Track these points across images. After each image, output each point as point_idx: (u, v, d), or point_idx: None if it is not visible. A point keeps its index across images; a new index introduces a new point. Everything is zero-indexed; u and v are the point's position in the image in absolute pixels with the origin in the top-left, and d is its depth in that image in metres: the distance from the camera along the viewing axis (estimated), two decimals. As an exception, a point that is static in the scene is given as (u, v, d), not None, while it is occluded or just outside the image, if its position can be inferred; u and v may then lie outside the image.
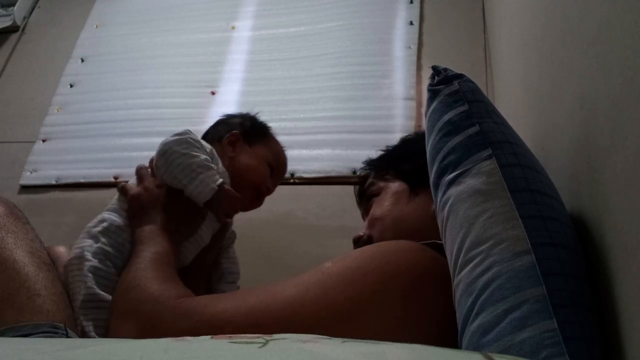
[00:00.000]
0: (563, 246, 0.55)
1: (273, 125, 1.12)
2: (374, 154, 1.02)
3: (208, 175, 0.91)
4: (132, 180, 0.97)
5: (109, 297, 0.81)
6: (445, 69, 0.71)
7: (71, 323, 0.77)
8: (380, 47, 1.82)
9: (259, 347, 0.39)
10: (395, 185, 0.92)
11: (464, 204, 0.61)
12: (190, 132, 0.96)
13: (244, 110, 1.15)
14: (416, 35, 1.82)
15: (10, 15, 2.20)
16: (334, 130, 1.68)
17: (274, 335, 0.42)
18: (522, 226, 0.56)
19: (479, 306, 0.54)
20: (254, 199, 1.03)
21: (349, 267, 0.70)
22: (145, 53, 2.02)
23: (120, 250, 0.88)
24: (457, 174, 0.63)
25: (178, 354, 0.38)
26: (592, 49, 0.58)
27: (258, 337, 0.41)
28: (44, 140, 1.88)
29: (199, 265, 0.96)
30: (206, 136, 1.07)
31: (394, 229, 0.87)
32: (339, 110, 1.72)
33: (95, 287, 0.82)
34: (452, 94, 0.67)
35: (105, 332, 0.79)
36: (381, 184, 0.95)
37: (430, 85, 0.71)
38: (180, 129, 0.96)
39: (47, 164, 1.82)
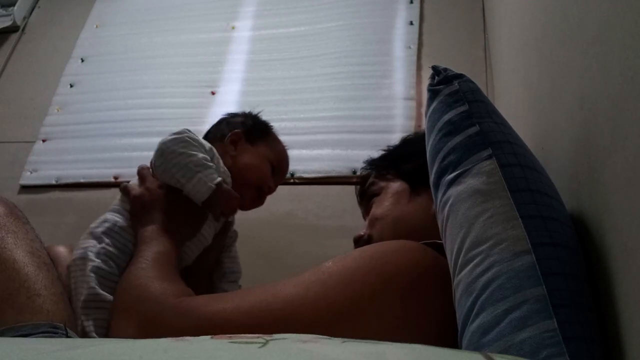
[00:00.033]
0: (563, 246, 0.55)
1: (273, 125, 1.11)
2: (375, 153, 1.02)
3: (206, 174, 0.90)
4: (133, 180, 0.97)
5: (111, 297, 0.81)
6: (445, 69, 0.71)
7: (71, 323, 0.77)
8: (380, 47, 1.82)
9: (259, 347, 0.39)
10: (396, 185, 0.92)
11: (464, 204, 0.61)
12: (189, 131, 0.96)
13: (245, 110, 1.15)
14: (416, 35, 1.82)
15: (10, 15, 2.19)
16: (334, 130, 1.68)
17: (274, 335, 0.42)
18: (522, 226, 0.56)
19: (479, 306, 0.54)
20: (256, 198, 1.03)
21: (349, 267, 0.70)
22: (145, 53, 2.02)
23: (123, 251, 0.87)
24: (457, 174, 0.63)
25: (178, 354, 0.38)
26: (592, 49, 0.58)
27: (258, 337, 0.41)
28: (44, 140, 1.88)
29: (201, 264, 0.96)
30: (208, 135, 1.06)
31: (395, 228, 0.87)
32: (339, 110, 1.72)
33: (97, 287, 0.82)
34: (452, 94, 0.67)
35: (106, 332, 0.79)
36: (382, 183, 0.95)
37: (430, 85, 0.71)
38: (178, 128, 0.96)
39: (47, 164, 1.82)
